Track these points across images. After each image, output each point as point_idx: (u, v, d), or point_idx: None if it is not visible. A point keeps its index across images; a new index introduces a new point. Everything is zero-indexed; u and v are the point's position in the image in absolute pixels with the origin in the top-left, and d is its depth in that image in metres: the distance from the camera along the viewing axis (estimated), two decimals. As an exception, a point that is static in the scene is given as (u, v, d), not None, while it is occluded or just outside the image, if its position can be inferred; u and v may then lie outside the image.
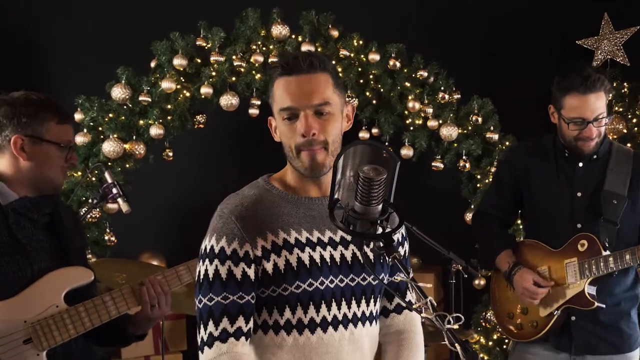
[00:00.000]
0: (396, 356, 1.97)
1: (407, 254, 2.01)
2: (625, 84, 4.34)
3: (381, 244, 1.48)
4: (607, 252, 2.71)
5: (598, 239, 2.74)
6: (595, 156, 2.83)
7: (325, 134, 1.72)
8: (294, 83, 1.72)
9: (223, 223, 1.73)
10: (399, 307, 2.00)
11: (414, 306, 1.43)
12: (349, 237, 1.80)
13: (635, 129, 4.27)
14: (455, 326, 1.38)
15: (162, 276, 2.36)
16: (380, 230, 1.50)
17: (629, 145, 3.62)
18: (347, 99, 2.28)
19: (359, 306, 1.82)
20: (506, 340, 4.13)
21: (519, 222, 3.92)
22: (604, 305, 2.74)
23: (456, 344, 1.39)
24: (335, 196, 1.53)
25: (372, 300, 1.85)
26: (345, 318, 1.79)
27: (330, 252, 1.77)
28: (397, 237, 1.93)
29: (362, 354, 1.84)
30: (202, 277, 1.73)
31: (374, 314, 1.88)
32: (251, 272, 1.71)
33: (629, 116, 4.28)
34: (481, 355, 4.24)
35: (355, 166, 1.49)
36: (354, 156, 1.50)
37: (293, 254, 1.73)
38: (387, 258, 1.47)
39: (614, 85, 4.23)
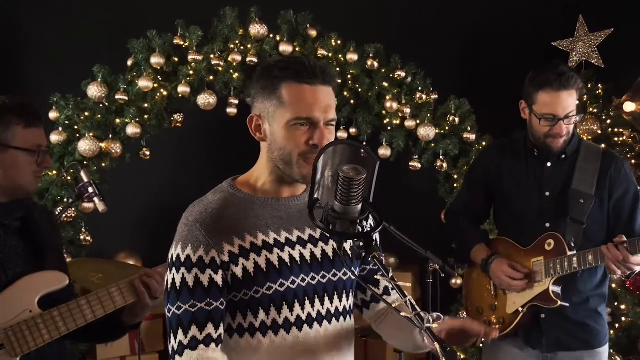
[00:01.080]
0: (399, 323, 1.89)
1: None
2: (599, 85, 4.38)
3: (361, 244, 1.48)
4: (572, 252, 2.73)
5: (564, 239, 2.76)
6: (563, 155, 2.85)
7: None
8: (313, 93, 1.71)
9: (188, 231, 1.72)
10: (375, 297, 1.99)
11: (393, 306, 1.44)
12: (317, 235, 1.81)
13: (610, 129, 4.32)
14: (435, 325, 1.39)
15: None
16: (359, 229, 1.50)
17: (602, 146, 3.64)
18: None
19: (332, 302, 1.82)
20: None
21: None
22: (567, 305, 2.76)
23: (435, 343, 1.40)
24: (315, 196, 1.53)
25: (344, 296, 1.85)
26: (320, 315, 1.79)
27: (299, 251, 1.77)
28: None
29: (339, 349, 1.84)
30: (169, 286, 1.72)
31: (347, 309, 1.88)
32: (218, 279, 1.70)
33: (603, 117, 4.33)
34: (457, 354, 4.26)
35: (335, 166, 1.49)
36: (333, 156, 1.51)
37: (262, 257, 1.72)
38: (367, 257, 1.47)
39: (589, 86, 4.27)
